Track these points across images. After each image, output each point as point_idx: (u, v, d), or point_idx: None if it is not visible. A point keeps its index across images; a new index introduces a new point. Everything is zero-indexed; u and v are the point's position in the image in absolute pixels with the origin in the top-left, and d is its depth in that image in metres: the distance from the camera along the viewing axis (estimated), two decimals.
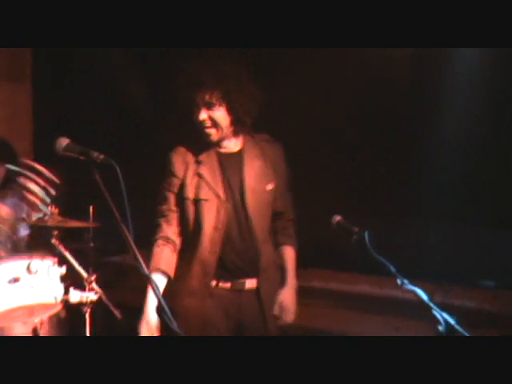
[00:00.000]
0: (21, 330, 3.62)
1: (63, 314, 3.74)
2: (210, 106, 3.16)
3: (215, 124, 3.19)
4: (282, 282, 3.37)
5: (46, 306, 3.53)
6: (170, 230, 3.29)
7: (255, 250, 3.26)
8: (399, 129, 3.96)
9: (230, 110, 3.17)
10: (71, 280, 3.51)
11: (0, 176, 4.17)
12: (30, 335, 3.39)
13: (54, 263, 3.52)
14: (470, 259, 3.75)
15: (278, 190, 3.34)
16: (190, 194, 3.24)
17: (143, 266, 2.47)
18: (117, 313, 3.37)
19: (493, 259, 3.66)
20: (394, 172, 3.97)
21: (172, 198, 3.30)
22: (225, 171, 3.26)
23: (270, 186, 3.30)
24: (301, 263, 3.40)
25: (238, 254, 3.25)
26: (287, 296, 3.33)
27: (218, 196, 3.22)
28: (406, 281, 2.81)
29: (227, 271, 3.26)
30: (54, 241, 3.54)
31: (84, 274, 3.44)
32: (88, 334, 3.34)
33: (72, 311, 3.58)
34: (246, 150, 3.30)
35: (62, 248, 3.53)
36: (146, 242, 3.20)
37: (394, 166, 3.97)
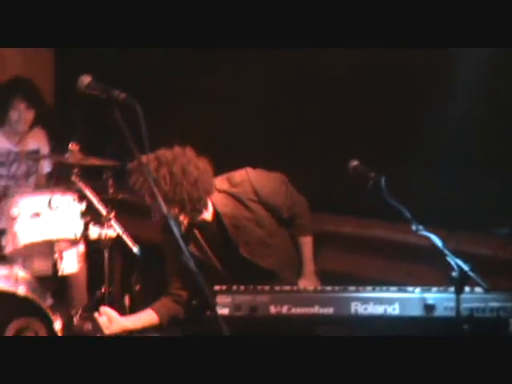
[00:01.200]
0: (41, 263, 3.64)
1: (82, 250, 3.75)
2: None
3: None
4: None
5: (66, 241, 3.53)
6: None
7: None
8: (412, 83, 3.86)
9: None
10: (91, 216, 3.49)
11: (29, 120, 4.13)
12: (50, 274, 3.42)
13: (74, 199, 3.49)
14: (484, 207, 3.69)
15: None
16: None
17: (162, 205, 2.43)
18: (135, 249, 3.36)
19: (507, 207, 3.59)
20: (407, 123, 3.88)
21: None
22: None
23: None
24: (316, 208, 3.34)
25: None
26: (306, 284, 3.26)
27: None
28: (420, 227, 2.77)
29: None
30: (74, 178, 3.51)
31: (103, 211, 3.42)
32: (106, 270, 3.33)
33: (91, 247, 3.57)
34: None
35: (81, 185, 3.51)
36: None
37: (408, 117, 3.88)
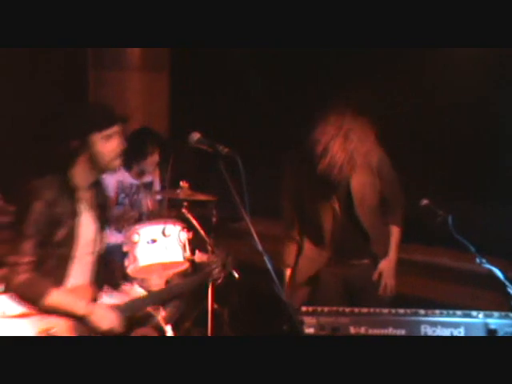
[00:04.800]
0: (156, 281, 3.86)
1: (189, 271, 3.97)
2: None
3: None
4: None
5: (176, 264, 3.73)
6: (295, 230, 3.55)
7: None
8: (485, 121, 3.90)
9: None
10: (197, 243, 3.70)
11: (155, 162, 4.40)
12: (161, 287, 3.61)
13: (183, 228, 3.72)
14: None
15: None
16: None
17: (258, 242, 2.60)
18: (235, 273, 3.54)
19: None
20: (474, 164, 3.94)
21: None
22: None
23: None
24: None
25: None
26: (386, 265, 3.47)
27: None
28: (484, 260, 2.84)
29: None
30: (184, 210, 3.74)
31: (207, 238, 3.63)
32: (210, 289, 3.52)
33: (197, 269, 3.75)
34: None
35: (190, 216, 3.73)
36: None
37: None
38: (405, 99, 4.11)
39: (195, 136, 2.78)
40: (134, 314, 2.94)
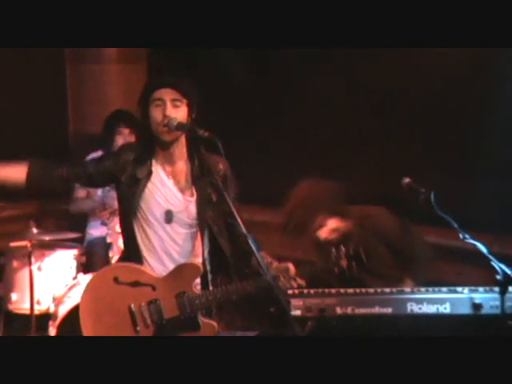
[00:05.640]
0: None
1: None
2: None
3: None
4: None
5: None
6: None
7: None
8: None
9: None
10: None
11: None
12: None
13: None
14: None
15: None
16: None
17: (241, 224, 2.56)
18: None
19: None
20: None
21: None
22: None
23: None
24: None
25: None
26: None
27: None
28: (467, 235, 2.81)
29: None
30: None
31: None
32: None
33: None
34: None
35: None
36: None
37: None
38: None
39: (174, 121, 2.74)
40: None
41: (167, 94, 2.75)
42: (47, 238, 3.85)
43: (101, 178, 2.86)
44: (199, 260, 2.82)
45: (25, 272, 3.77)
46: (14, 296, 3.85)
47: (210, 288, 2.80)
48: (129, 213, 2.79)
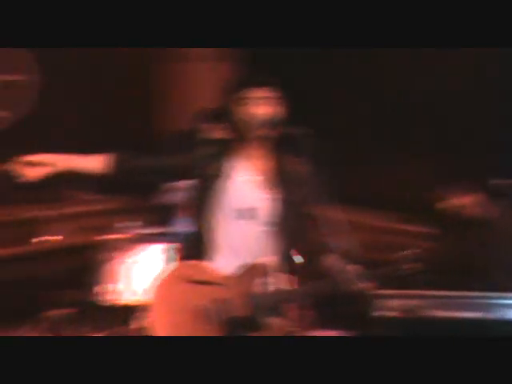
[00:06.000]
0: None
1: None
2: None
3: None
4: None
5: None
6: None
7: None
8: None
9: None
10: None
11: None
12: None
13: None
14: None
15: None
16: None
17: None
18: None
19: None
20: None
21: None
22: None
23: None
24: None
25: None
26: None
27: None
28: None
29: None
30: None
31: None
32: None
33: None
34: None
35: None
36: None
37: None
38: None
39: (271, 119, 2.70)
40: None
41: (258, 92, 2.76)
42: (143, 231, 3.98)
43: (178, 173, 2.86)
44: (271, 258, 2.77)
45: (121, 264, 3.90)
46: (110, 287, 3.93)
47: (282, 287, 2.75)
48: (205, 209, 2.78)
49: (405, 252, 2.75)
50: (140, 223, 4.19)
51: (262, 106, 2.75)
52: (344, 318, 3.30)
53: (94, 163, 2.77)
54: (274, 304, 2.68)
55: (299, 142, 2.65)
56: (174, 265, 2.82)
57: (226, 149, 2.83)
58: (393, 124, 4.60)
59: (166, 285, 2.70)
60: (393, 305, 2.88)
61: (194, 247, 2.85)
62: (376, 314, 2.89)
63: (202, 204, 2.81)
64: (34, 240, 4.32)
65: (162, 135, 5.27)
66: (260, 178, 2.80)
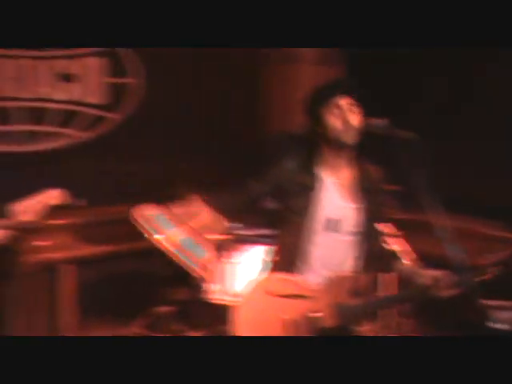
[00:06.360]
0: None
1: None
2: None
3: None
4: None
5: None
6: None
7: None
8: None
9: None
10: None
11: None
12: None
13: None
14: None
15: None
16: None
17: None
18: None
19: None
20: None
21: None
22: None
23: None
24: None
25: None
26: None
27: None
28: None
29: None
30: None
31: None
32: None
33: None
34: None
35: None
36: None
37: None
38: None
39: (382, 122, 2.62)
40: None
41: (349, 99, 2.69)
42: (246, 232, 4.06)
43: (270, 191, 2.82)
44: (357, 268, 2.74)
45: (224, 265, 4.00)
46: (214, 287, 4.06)
47: (368, 297, 2.72)
48: (291, 221, 2.75)
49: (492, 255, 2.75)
50: (241, 225, 4.21)
51: (355, 114, 2.69)
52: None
53: (204, 218, 2.79)
54: (363, 314, 2.66)
55: (412, 146, 2.52)
56: (264, 276, 2.81)
57: (310, 159, 2.79)
58: None
59: (250, 298, 2.70)
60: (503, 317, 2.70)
61: (286, 258, 2.81)
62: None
63: (288, 217, 2.77)
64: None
65: (265, 136, 5.30)
66: (346, 187, 2.76)
